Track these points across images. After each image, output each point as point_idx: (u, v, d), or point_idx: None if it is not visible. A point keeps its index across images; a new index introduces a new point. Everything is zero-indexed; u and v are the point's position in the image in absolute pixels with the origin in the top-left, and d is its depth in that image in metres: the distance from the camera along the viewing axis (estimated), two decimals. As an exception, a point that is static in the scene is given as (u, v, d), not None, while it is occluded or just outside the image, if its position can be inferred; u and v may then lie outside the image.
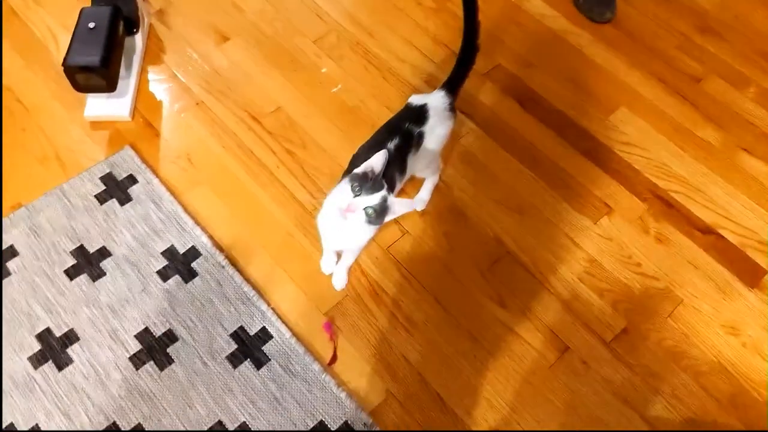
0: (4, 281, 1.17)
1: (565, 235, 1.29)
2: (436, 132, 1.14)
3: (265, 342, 1.13)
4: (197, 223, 1.25)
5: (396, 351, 1.15)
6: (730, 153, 1.43)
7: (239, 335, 1.14)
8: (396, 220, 1.28)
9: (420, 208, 1.29)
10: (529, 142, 1.42)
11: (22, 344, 1.12)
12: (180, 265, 1.21)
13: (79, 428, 1.04)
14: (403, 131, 1.09)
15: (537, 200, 1.34)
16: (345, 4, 1.63)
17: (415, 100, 1.15)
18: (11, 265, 1.19)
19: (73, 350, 1.12)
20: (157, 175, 1.32)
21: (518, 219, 1.31)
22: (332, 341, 1.14)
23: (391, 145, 1.06)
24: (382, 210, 0.97)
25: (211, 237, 1.24)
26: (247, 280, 1.20)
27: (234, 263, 1.21)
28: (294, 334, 1.14)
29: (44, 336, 1.13)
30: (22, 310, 1.15)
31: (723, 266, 1.27)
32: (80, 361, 1.11)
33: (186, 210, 1.27)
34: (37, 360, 1.10)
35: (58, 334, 1.13)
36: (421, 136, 1.12)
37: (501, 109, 1.46)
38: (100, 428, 1.05)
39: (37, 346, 1.12)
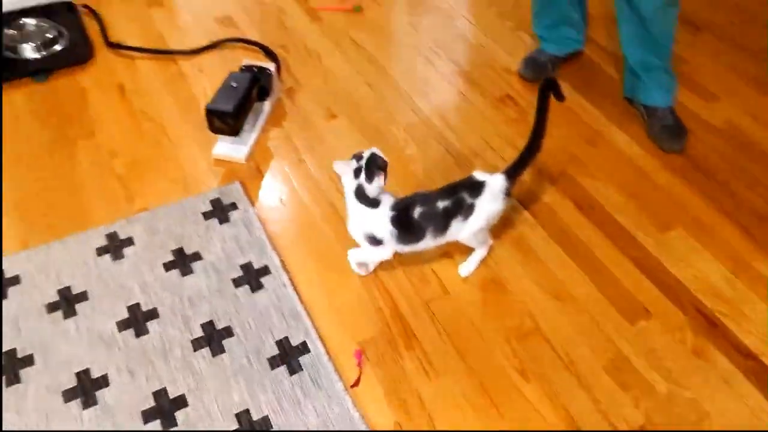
0: (116, 260, 1.45)
1: (599, 328, 1.36)
2: (486, 208, 1.32)
3: (302, 354, 1.29)
4: (274, 248, 1.49)
5: (413, 390, 1.25)
6: (784, 288, 1.44)
7: (283, 344, 1.31)
8: (440, 281, 1.43)
9: (464, 274, 1.44)
10: (580, 240, 1.54)
11: (115, 311, 1.36)
12: (252, 278, 1.43)
13: (138, 385, 1.24)
14: (456, 196, 1.28)
15: (577, 292, 1.43)
16: (436, 102, 1.91)
17: (477, 175, 1.34)
18: (127, 251, 1.48)
19: (151, 324, 1.34)
20: (254, 207, 1.59)
21: (556, 304, 1.40)
22: (359, 367, 1.27)
23: (440, 203, 1.25)
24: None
25: (282, 261, 1.46)
26: (302, 300, 1.38)
27: (295, 285, 1.41)
28: (328, 353, 1.29)
29: (133, 309, 1.37)
30: (124, 285, 1.41)
31: (759, 391, 1.27)
32: (154, 334, 1.32)
33: (269, 237, 1.51)
34: (123, 326, 1.34)
35: (144, 309, 1.37)
36: (471, 207, 1.30)
37: (558, 208, 1.61)
38: (154, 389, 1.23)
39: (125, 315, 1.36)
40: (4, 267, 1.43)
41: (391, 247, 1.32)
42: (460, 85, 1.99)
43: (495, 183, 1.32)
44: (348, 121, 1.84)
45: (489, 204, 1.31)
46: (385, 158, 1.26)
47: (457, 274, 1.44)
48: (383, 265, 1.46)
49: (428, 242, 1.32)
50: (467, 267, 1.44)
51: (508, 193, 1.34)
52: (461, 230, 1.32)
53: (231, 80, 1.68)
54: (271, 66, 1.82)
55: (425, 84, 1.99)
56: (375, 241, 1.30)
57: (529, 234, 1.54)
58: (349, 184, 1.27)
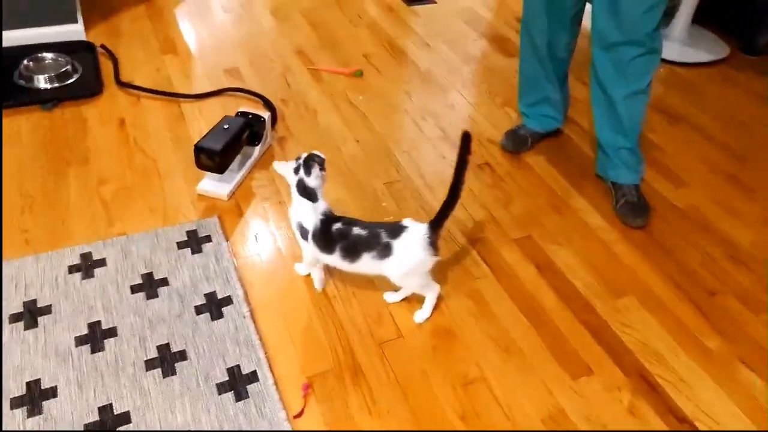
0: (86, 279, 1.51)
1: (542, 382, 1.39)
2: (407, 253, 1.37)
3: (251, 382, 1.32)
4: (240, 280, 1.54)
5: (353, 425, 1.27)
6: (729, 362, 1.47)
7: (233, 371, 1.34)
8: (396, 324, 1.47)
9: (418, 320, 1.48)
10: (534, 298, 1.59)
11: (75, 327, 1.40)
12: (214, 306, 1.47)
13: (85, 398, 1.26)
14: (374, 230, 1.38)
15: (525, 346, 1.47)
16: (418, 162, 2.01)
17: (406, 222, 1.40)
18: (98, 271, 1.54)
19: (108, 342, 1.38)
20: (228, 241, 1.66)
21: (503, 356, 1.44)
22: (304, 399, 1.30)
23: (357, 230, 1.38)
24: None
25: (245, 292, 1.51)
26: (258, 331, 1.42)
27: (254, 316, 1.46)
28: (276, 383, 1.32)
29: (93, 326, 1.41)
30: (89, 303, 1.46)
31: (694, 460, 1.28)
32: (109, 351, 1.36)
33: (237, 269, 1.57)
34: (81, 341, 1.38)
35: (104, 327, 1.41)
36: (388, 247, 1.37)
37: (518, 268, 1.67)
38: (100, 404, 1.26)
39: (84, 331, 1.40)
40: (-22, 274, 1.49)
41: (311, 247, 1.42)
42: (443, 149, 2.10)
43: (417, 230, 1.38)
44: (332, 170, 1.93)
45: (410, 250, 1.37)
46: (323, 156, 1.42)
47: (412, 319, 1.48)
48: (343, 303, 1.51)
49: (338, 261, 1.41)
50: (422, 314, 1.48)
51: (432, 244, 1.38)
52: (380, 268, 1.39)
53: (224, 123, 1.79)
54: (265, 114, 1.94)
55: (410, 145, 2.10)
56: (303, 231, 1.42)
57: (487, 288, 1.60)
58: (292, 181, 1.42)
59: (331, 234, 1.39)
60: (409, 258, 1.38)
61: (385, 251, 1.37)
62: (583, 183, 1.99)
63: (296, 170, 1.41)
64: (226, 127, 1.77)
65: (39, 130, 1.98)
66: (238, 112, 1.92)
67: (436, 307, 1.50)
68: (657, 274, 1.69)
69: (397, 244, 1.36)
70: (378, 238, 1.37)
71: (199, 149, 1.71)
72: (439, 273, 1.62)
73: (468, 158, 1.37)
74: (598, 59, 1.78)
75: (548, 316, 1.55)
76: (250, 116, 1.90)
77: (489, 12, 3.00)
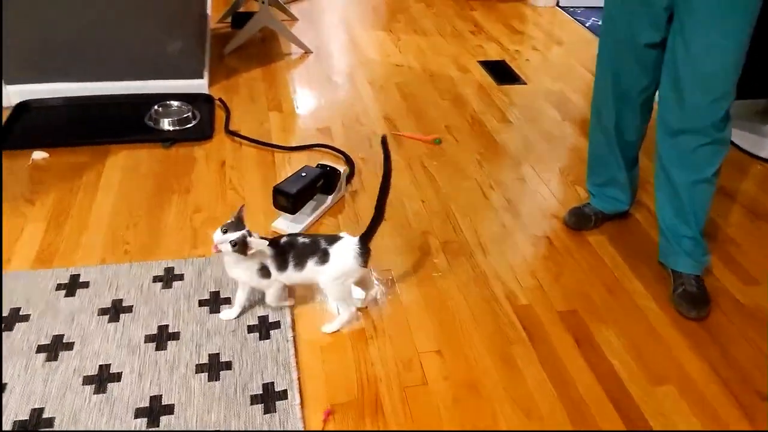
0: (165, 288, 1.74)
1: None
2: (339, 260, 1.56)
3: (280, 399, 1.45)
4: (289, 308, 1.71)
5: (364, 456, 1.35)
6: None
7: (268, 387, 1.48)
8: (423, 372, 1.55)
9: (325, 330, 1.64)
10: (567, 372, 1.59)
11: (148, 326, 1.63)
12: (264, 327, 1.64)
13: (142, 387, 1.46)
14: (315, 238, 1.61)
15: (547, 413, 1.48)
16: (477, 227, 2.11)
17: (342, 234, 1.62)
18: (176, 283, 1.77)
19: (170, 343, 1.59)
20: (288, 274, 1.84)
21: (522, 419, 1.46)
22: (324, 423, 1.40)
23: (301, 239, 1.60)
24: (242, 243, 1.47)
25: (293, 320, 1.67)
26: (297, 355, 1.57)
27: (296, 342, 1.61)
28: (302, 404, 1.44)
29: (162, 328, 1.63)
30: (162, 308, 1.69)
31: None
32: (170, 351, 1.56)
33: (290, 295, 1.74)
34: (149, 339, 1.59)
35: (170, 330, 1.62)
36: (326, 254, 1.57)
37: (556, 338, 1.69)
38: (153, 393, 1.45)
39: (154, 331, 1.61)
40: (82, 273, 1.78)
41: (275, 272, 1.58)
42: (505, 218, 2.19)
43: (349, 240, 1.59)
44: (392, 224, 2.10)
45: (341, 257, 1.57)
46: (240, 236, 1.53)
47: (439, 370, 1.56)
48: (378, 345, 1.62)
49: (291, 274, 1.57)
50: (330, 326, 1.65)
51: (361, 255, 1.58)
52: (318, 273, 1.57)
53: (303, 171, 2.03)
54: (341, 168, 2.15)
55: (473, 210, 2.21)
56: (265, 270, 1.57)
57: (519, 351, 1.64)
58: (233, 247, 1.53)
59: (281, 246, 1.57)
60: (341, 264, 1.57)
61: (324, 258, 1.57)
62: (642, 267, 1.98)
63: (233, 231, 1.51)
64: (303, 174, 2.00)
65: (156, 164, 2.34)
66: (318, 164, 2.15)
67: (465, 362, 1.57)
68: (704, 367, 1.63)
69: (332, 251, 1.57)
70: (318, 244, 1.58)
71: (276, 191, 1.94)
72: (474, 331, 1.69)
73: (390, 165, 1.56)
74: (662, 144, 1.82)
75: (577, 390, 1.55)
76: (328, 168, 2.12)
77: (578, 95, 3.10)
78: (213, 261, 1.86)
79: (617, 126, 1.98)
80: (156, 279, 1.78)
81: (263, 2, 3.15)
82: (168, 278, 1.79)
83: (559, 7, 4.30)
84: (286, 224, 2.02)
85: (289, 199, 1.92)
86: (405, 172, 2.40)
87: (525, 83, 3.19)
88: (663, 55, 1.74)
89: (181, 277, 1.80)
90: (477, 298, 1.81)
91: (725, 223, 2.24)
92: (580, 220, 2.15)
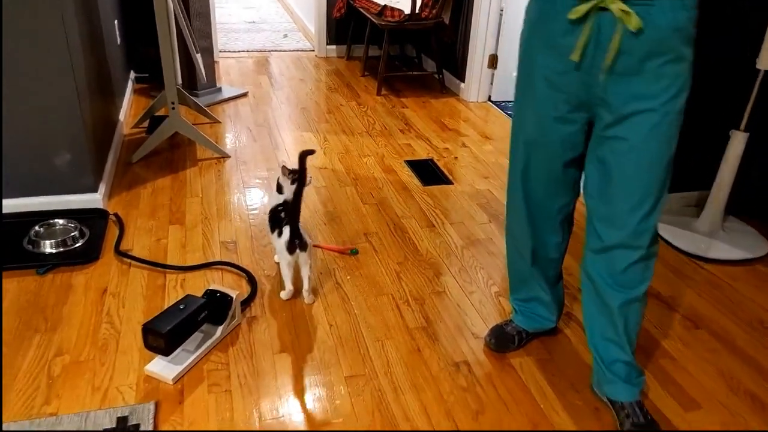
0: None
1: None
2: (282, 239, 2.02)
3: None
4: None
5: None
6: None
7: None
8: None
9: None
10: None
11: None
12: None
13: None
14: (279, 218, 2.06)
15: None
16: (389, 355, 1.87)
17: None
18: (9, 455, 1.45)
19: None
20: (155, 428, 1.54)
21: None
22: None
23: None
24: None
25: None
26: None
27: None
28: None
29: None
30: None
31: None
32: None
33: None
34: None
35: None
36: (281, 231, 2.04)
37: None
38: None
39: None
40: None
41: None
42: (421, 340, 1.96)
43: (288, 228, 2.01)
44: (294, 357, 1.84)
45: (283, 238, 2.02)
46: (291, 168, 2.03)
47: None
48: None
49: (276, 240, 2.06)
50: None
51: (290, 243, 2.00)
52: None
53: (181, 302, 1.77)
54: (233, 293, 1.91)
55: (385, 333, 1.98)
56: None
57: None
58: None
59: (271, 214, 2.10)
60: (282, 242, 2.01)
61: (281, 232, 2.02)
62: (572, 395, 1.76)
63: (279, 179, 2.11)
64: (182, 307, 1.74)
65: (24, 295, 2.05)
66: (206, 290, 1.90)
67: None
68: None
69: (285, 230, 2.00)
70: (282, 222, 2.02)
71: (146, 329, 1.67)
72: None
73: (305, 180, 1.94)
74: (590, 260, 1.63)
75: None
76: (218, 294, 1.88)
77: (504, 194, 2.97)
78: (65, 421, 1.55)
79: (534, 251, 1.80)
80: (-14, 450, 1.46)
81: (173, 107, 3.01)
82: (2, 448, 1.47)
83: (491, 101, 4.31)
84: (161, 367, 1.74)
85: (159, 339, 1.66)
86: (316, 290, 2.17)
87: (452, 183, 3.07)
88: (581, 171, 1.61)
89: (18, 446, 1.48)
90: (378, 451, 1.54)
91: (660, 334, 2.06)
92: (501, 342, 1.94)
